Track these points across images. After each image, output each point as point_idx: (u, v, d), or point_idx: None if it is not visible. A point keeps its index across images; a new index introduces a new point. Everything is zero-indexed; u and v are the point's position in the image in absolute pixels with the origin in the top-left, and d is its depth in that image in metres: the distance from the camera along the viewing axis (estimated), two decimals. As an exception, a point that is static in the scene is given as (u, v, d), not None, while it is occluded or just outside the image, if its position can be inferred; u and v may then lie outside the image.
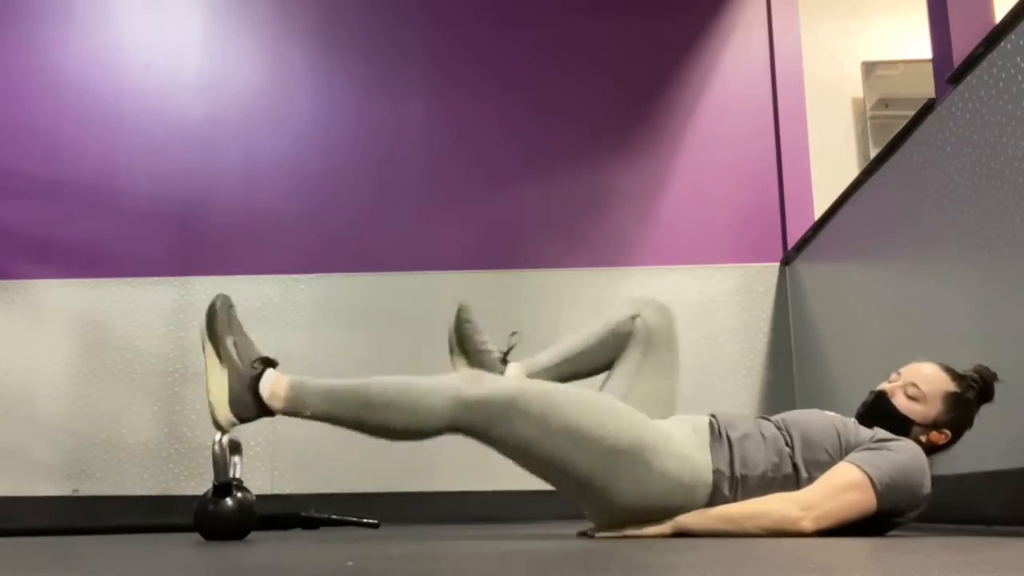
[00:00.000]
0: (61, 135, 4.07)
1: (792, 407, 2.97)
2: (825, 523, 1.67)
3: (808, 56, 4.06)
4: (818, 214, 3.61)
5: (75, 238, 3.97)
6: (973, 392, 1.83)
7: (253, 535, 2.04)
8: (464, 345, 2.09)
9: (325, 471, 3.63)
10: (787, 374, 3.74)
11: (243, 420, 1.75)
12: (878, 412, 1.85)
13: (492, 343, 2.08)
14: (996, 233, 2.05)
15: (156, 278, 3.89)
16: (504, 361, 2.02)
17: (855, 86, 4.10)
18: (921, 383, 1.83)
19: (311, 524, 2.62)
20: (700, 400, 3.63)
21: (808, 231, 3.56)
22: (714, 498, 1.76)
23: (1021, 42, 1.97)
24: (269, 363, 1.78)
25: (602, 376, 2.06)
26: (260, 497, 2.06)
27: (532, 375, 2.00)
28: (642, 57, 4.11)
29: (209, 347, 1.77)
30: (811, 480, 1.74)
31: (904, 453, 1.72)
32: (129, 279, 3.89)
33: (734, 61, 4.10)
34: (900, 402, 1.84)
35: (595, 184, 3.99)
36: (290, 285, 3.89)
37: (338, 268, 3.90)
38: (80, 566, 1.15)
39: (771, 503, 1.72)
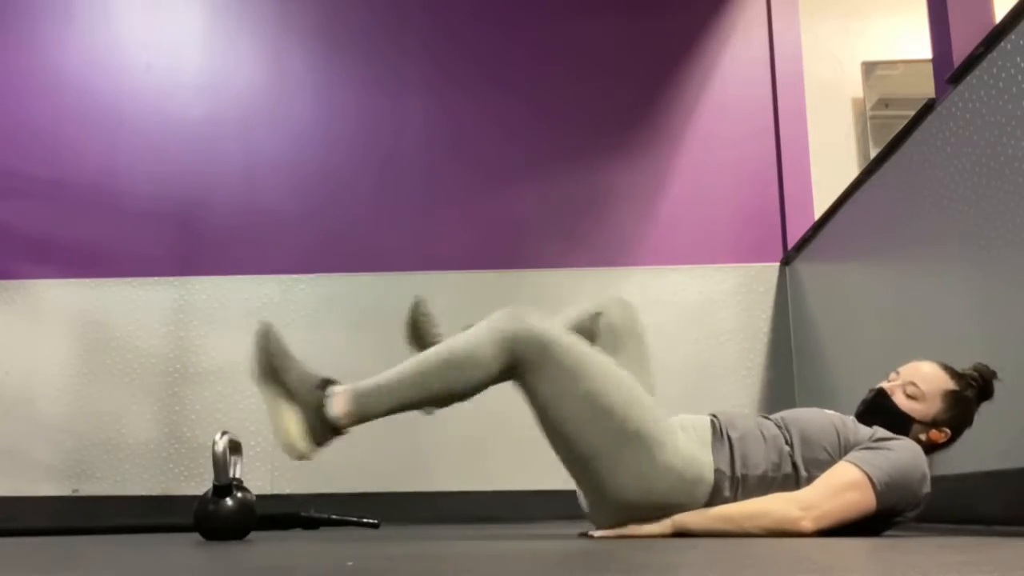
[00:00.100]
0: (61, 135, 4.07)
1: (792, 407, 2.95)
2: (824, 523, 1.67)
3: (808, 56, 4.06)
4: (818, 214, 3.61)
5: (75, 238, 3.97)
6: (972, 390, 1.83)
7: (253, 535, 2.04)
8: (419, 335, 2.08)
9: (325, 471, 3.63)
10: (787, 374, 3.74)
11: (321, 445, 1.73)
12: (878, 410, 1.85)
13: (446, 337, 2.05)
14: (996, 233, 2.05)
15: (156, 278, 3.89)
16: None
17: (855, 86, 4.10)
18: (920, 382, 1.83)
19: (311, 524, 2.62)
20: (700, 400, 3.64)
21: (808, 231, 3.56)
22: (714, 498, 1.76)
23: (1021, 42, 1.97)
24: (327, 383, 1.74)
25: None
26: (260, 497, 2.06)
27: None
28: (642, 57, 4.11)
29: (272, 389, 1.72)
30: (811, 479, 1.74)
31: (904, 452, 1.72)
32: (129, 279, 3.89)
33: (734, 61, 4.10)
34: (900, 401, 1.84)
35: (595, 184, 3.99)
36: (290, 285, 3.89)
37: (338, 268, 3.91)
38: (80, 566, 1.15)
39: (771, 503, 1.72)
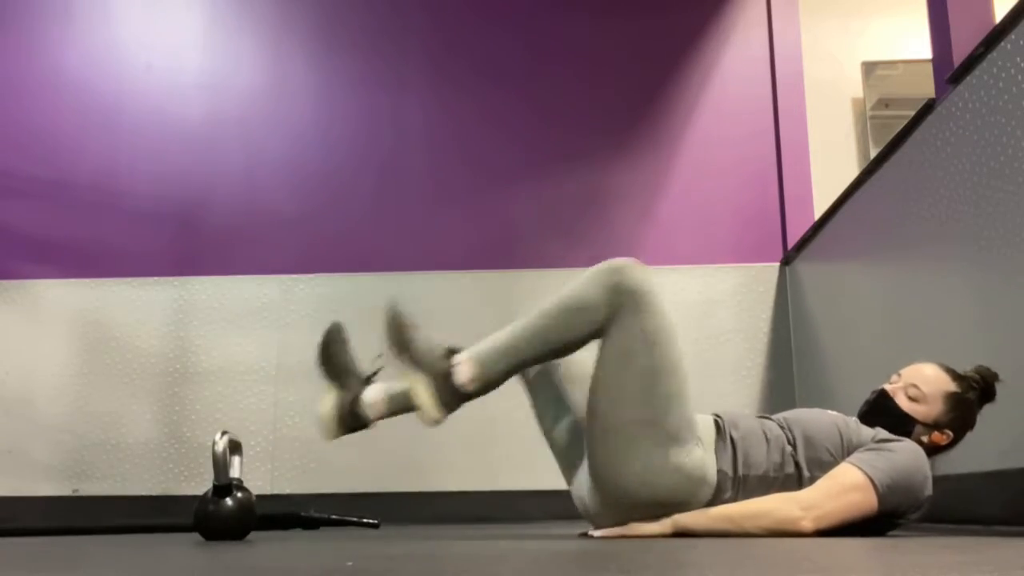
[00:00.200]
0: (61, 135, 4.07)
1: (792, 407, 2.96)
2: (825, 523, 1.67)
3: (808, 56, 4.06)
4: (818, 214, 3.61)
5: (75, 238, 3.97)
6: (974, 392, 1.83)
7: (253, 535, 2.04)
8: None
9: (325, 471, 3.63)
10: (787, 374, 3.74)
11: (452, 411, 1.75)
12: (880, 411, 1.85)
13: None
14: (996, 233, 2.05)
15: (156, 278, 3.89)
16: (369, 381, 1.90)
17: (855, 86, 4.10)
18: (922, 384, 1.83)
19: (311, 524, 2.62)
20: (700, 400, 3.60)
21: (808, 231, 3.56)
22: (716, 498, 1.76)
23: (1021, 42, 1.97)
24: (452, 352, 1.77)
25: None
26: (260, 497, 2.06)
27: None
28: (642, 57, 4.11)
29: (402, 360, 1.76)
30: (813, 480, 1.74)
31: (906, 454, 1.72)
32: (129, 279, 3.89)
33: (734, 61, 4.10)
34: (902, 402, 1.84)
35: (595, 184, 3.99)
36: (290, 285, 3.89)
37: (338, 268, 3.91)
38: (80, 566, 1.15)
39: (771, 503, 1.72)
